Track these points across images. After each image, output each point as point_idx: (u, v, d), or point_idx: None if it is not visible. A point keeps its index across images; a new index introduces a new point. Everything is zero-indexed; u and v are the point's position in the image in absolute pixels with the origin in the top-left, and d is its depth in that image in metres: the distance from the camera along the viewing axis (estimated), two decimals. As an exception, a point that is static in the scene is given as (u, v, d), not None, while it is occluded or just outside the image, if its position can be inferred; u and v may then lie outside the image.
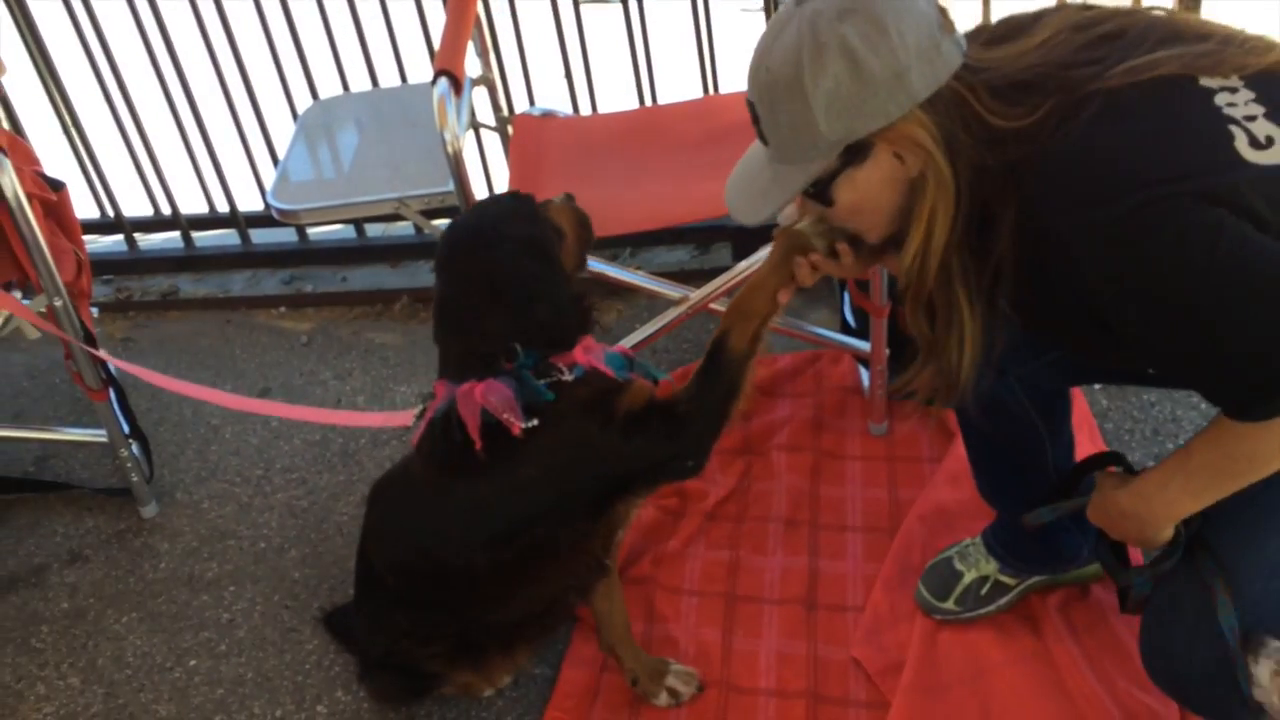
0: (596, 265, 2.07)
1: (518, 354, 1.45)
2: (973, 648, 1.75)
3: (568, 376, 1.46)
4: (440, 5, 2.63)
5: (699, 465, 1.55)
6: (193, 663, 2.03)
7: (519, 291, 1.47)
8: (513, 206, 1.57)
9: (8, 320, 2.11)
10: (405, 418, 1.60)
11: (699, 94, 2.67)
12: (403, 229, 3.01)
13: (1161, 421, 2.10)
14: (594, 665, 1.85)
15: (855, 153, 1.21)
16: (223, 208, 3.03)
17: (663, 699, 1.76)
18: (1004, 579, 1.79)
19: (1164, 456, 1.91)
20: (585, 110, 2.76)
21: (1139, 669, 1.66)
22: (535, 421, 1.43)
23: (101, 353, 2.11)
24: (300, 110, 2.69)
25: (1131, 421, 2.10)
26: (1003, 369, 1.49)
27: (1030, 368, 1.53)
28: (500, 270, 1.47)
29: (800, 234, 1.42)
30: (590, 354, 1.50)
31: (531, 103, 2.72)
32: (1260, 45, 1.19)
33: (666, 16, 2.70)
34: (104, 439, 2.28)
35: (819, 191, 1.27)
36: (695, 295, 2.03)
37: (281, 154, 2.52)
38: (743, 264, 2.00)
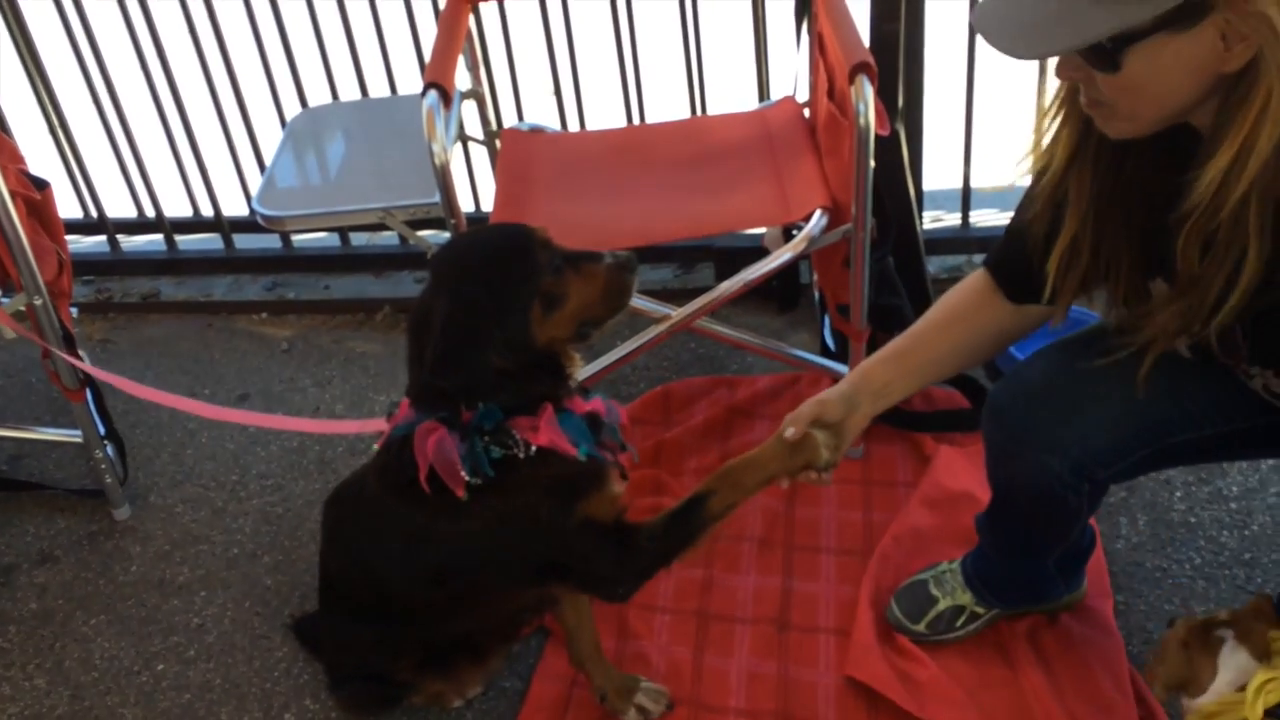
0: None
1: (478, 407, 1.42)
2: (945, 675, 1.76)
3: (522, 454, 1.42)
4: (432, 16, 2.65)
5: (627, 596, 1.54)
6: (160, 667, 2.01)
7: (449, 352, 1.39)
8: (505, 256, 1.44)
9: (-15, 318, 2.10)
10: (379, 424, 1.60)
11: (687, 114, 2.69)
12: (387, 239, 3.01)
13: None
14: (565, 679, 1.85)
15: (1184, 16, 1.01)
16: (207, 212, 3.02)
17: (631, 716, 1.76)
18: (977, 609, 1.80)
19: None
20: (573, 127, 2.77)
21: (1106, 696, 1.69)
22: (478, 480, 1.41)
23: (76, 360, 2.10)
24: (288, 117, 2.70)
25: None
26: (1084, 475, 1.46)
27: (1115, 469, 1.48)
28: (440, 323, 1.39)
29: (816, 446, 1.43)
30: (552, 427, 1.44)
31: (520, 118, 2.74)
32: None
33: (655, 37, 2.72)
34: (79, 439, 2.27)
35: (1112, 50, 1.06)
36: (677, 314, 2.04)
37: (268, 160, 2.52)
38: (724, 284, 2.02)
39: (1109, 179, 1.26)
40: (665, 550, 1.49)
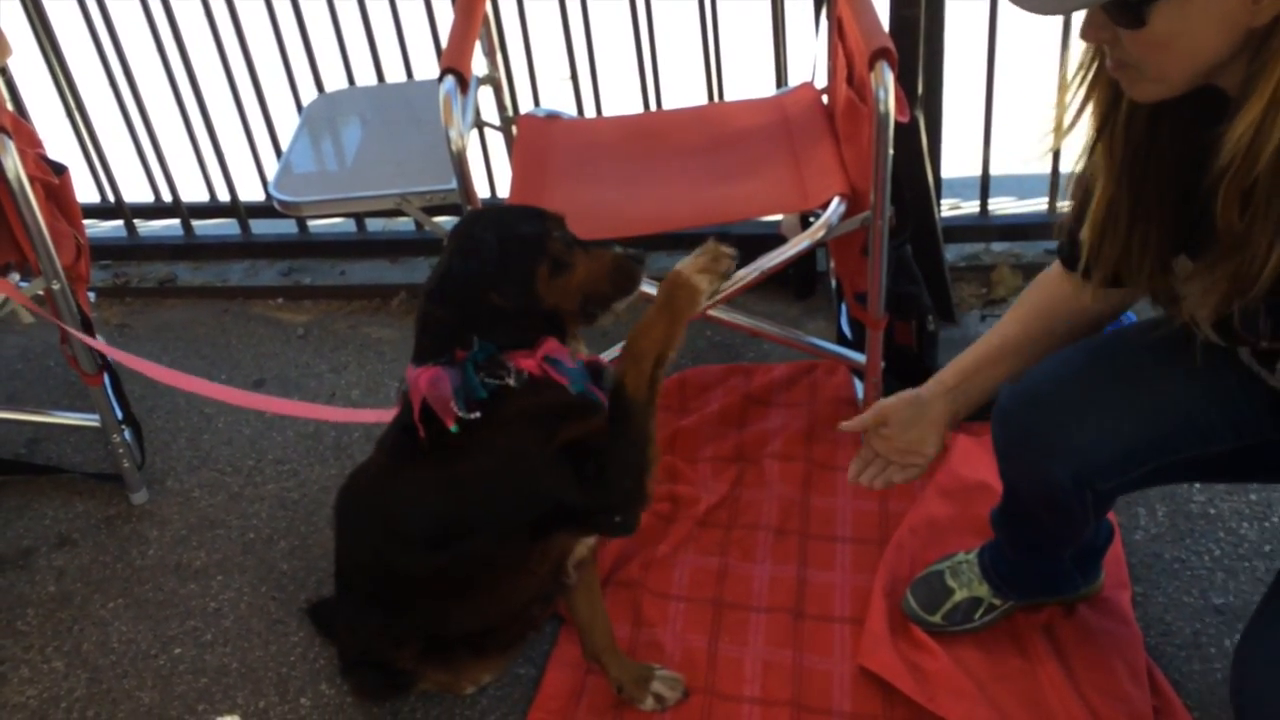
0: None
1: (473, 344, 1.45)
2: (960, 666, 1.75)
3: (511, 381, 1.44)
4: (448, 1, 2.64)
5: (627, 523, 1.50)
6: (177, 651, 2.02)
7: (450, 280, 1.47)
8: (518, 218, 1.52)
9: (5, 303, 2.11)
10: (392, 414, 1.61)
11: (704, 101, 2.68)
12: (403, 224, 3.01)
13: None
14: (579, 667, 1.85)
15: None
16: (224, 196, 3.03)
17: (648, 704, 1.76)
18: (994, 601, 1.79)
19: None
20: (590, 113, 2.76)
21: (1123, 687, 1.68)
22: (475, 415, 1.42)
23: (95, 341, 2.11)
24: (305, 102, 2.69)
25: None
26: (1086, 484, 1.44)
27: (1117, 482, 1.46)
28: (447, 256, 1.48)
29: (688, 281, 1.45)
30: (548, 359, 1.47)
31: (536, 103, 2.73)
32: None
33: (673, 23, 2.71)
34: (97, 424, 2.28)
35: (1134, 5, 1.04)
36: (693, 301, 2.02)
37: (284, 145, 2.52)
38: (741, 271, 2.00)
39: (1142, 144, 1.23)
40: (621, 452, 1.45)
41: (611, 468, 1.46)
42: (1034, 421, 1.46)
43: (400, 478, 1.56)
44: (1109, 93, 1.22)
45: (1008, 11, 2.41)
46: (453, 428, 1.43)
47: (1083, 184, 1.33)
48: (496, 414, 1.44)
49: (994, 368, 1.53)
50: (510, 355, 1.45)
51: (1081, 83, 1.24)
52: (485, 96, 2.47)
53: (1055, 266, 1.52)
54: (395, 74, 2.81)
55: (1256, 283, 1.13)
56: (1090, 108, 1.24)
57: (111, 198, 3.06)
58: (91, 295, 2.29)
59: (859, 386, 2.26)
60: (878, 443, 1.57)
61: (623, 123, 2.41)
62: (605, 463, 1.46)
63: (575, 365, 1.49)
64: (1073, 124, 1.26)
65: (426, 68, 2.75)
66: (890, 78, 1.73)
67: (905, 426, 1.52)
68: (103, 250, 3.07)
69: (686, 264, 1.47)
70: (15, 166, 1.91)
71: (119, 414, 2.29)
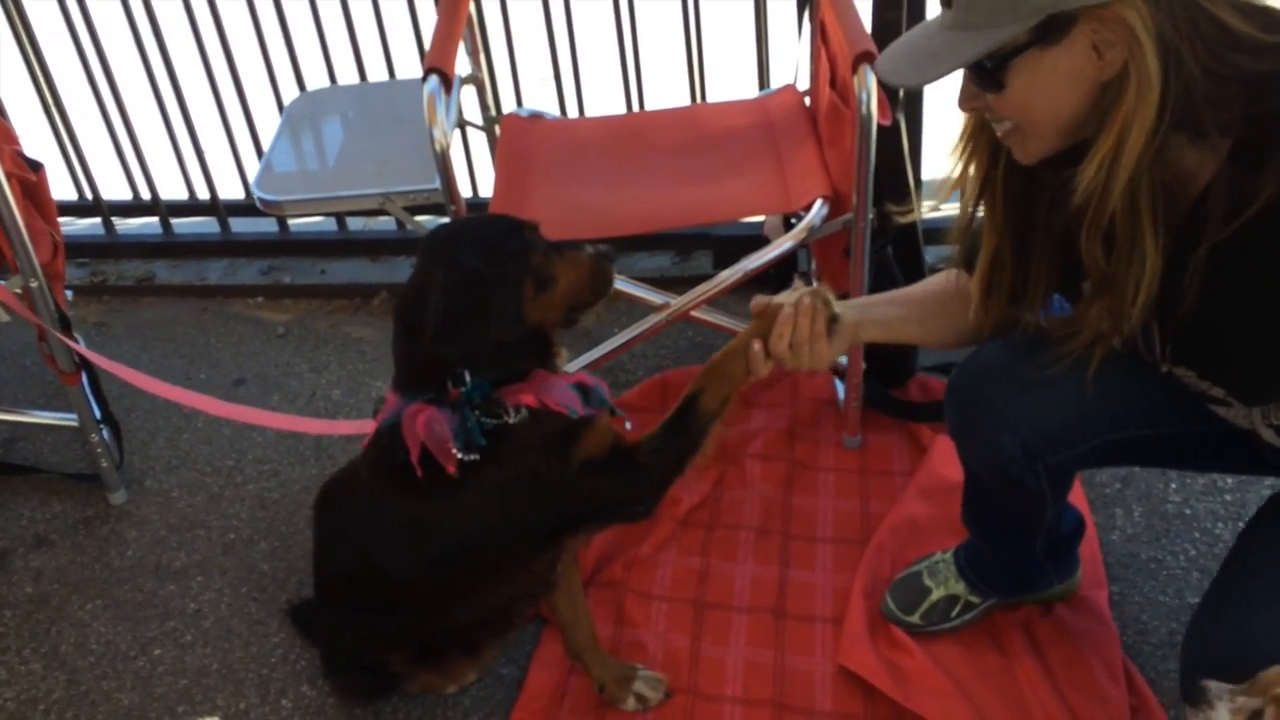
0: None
1: (465, 382, 1.42)
2: (938, 665, 1.77)
3: (512, 419, 1.43)
4: (429, 0, 2.64)
5: (648, 511, 1.57)
6: (157, 652, 2.01)
7: (451, 320, 1.41)
8: (497, 234, 1.48)
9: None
10: (370, 426, 1.59)
11: (687, 102, 2.68)
12: (384, 223, 3.00)
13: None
14: (561, 667, 1.85)
15: (1051, 29, 1.10)
16: (203, 194, 3.01)
17: (630, 704, 1.77)
18: (972, 599, 1.81)
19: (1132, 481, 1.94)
20: (573, 113, 2.76)
21: (1100, 685, 1.70)
22: (474, 456, 1.41)
23: (73, 343, 2.09)
24: (286, 100, 2.68)
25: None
26: (1036, 456, 1.48)
27: (1066, 456, 1.49)
28: (441, 292, 1.41)
29: (778, 306, 1.42)
30: (543, 389, 1.46)
31: (519, 104, 2.73)
32: None
33: (656, 24, 2.71)
34: (74, 423, 2.26)
35: (993, 69, 1.15)
36: (676, 303, 2.04)
37: (265, 143, 2.51)
38: (724, 273, 2.01)
39: (1021, 197, 1.32)
40: (671, 458, 1.50)
41: (658, 467, 1.50)
42: (983, 394, 1.50)
43: (402, 511, 1.53)
44: (988, 153, 1.32)
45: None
46: (453, 472, 1.42)
47: (963, 234, 1.41)
48: (500, 449, 1.42)
49: (890, 306, 1.56)
50: (505, 391, 1.44)
51: (965, 147, 1.34)
52: (468, 96, 2.47)
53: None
54: (377, 73, 2.80)
55: (1129, 320, 1.22)
56: (973, 167, 1.34)
57: (89, 195, 3.03)
58: (69, 293, 2.26)
59: (840, 387, 2.27)
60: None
61: (606, 123, 2.42)
62: (650, 462, 1.49)
63: (568, 392, 1.48)
64: (955, 185, 1.36)
65: (409, 67, 2.74)
66: (873, 81, 1.74)
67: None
68: (80, 248, 3.04)
69: (790, 294, 1.45)
70: (-7, 163, 1.89)
71: (97, 413, 2.27)
